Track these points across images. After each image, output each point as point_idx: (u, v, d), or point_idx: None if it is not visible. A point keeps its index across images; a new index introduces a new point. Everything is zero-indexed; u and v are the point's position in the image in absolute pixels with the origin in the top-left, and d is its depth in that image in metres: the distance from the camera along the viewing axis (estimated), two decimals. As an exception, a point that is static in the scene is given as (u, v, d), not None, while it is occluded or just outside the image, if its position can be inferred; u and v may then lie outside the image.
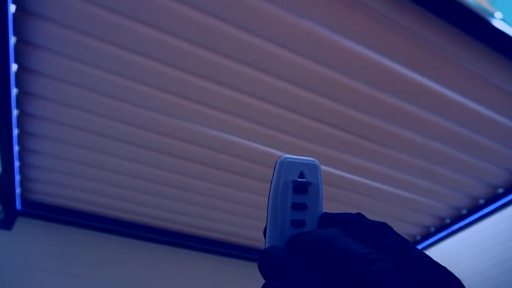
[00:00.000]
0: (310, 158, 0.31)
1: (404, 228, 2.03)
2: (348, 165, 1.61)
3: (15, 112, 1.33)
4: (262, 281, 0.26)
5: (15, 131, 1.41)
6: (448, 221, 1.94)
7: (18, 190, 1.76)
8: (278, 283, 0.25)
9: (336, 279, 0.23)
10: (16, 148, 1.49)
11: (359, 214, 0.28)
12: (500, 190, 1.73)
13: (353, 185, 1.71)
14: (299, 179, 0.30)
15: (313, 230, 0.28)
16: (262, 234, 0.31)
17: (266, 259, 0.27)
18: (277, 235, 0.29)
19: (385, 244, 0.25)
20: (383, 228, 0.27)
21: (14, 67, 1.19)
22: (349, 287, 0.22)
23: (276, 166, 0.30)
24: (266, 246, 0.29)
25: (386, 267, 0.21)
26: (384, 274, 0.21)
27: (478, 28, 1.11)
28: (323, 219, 0.30)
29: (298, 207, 0.29)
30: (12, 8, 1.04)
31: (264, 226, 0.30)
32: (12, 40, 1.11)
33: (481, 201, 1.79)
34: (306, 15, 1.11)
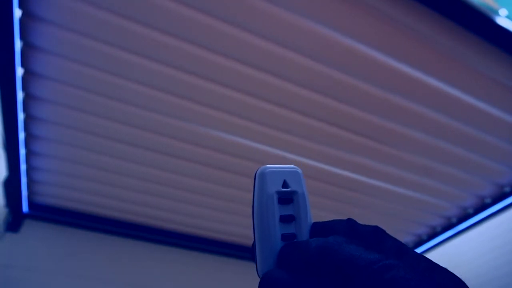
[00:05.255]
0: (291, 166, 0.29)
1: (410, 227, 2.02)
2: (354, 165, 1.60)
3: (21, 116, 1.34)
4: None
5: (22, 135, 1.42)
6: (454, 220, 1.93)
7: (24, 193, 1.77)
8: None
9: None
10: (22, 151, 1.50)
11: (350, 219, 0.27)
12: (507, 189, 1.72)
13: (359, 185, 1.71)
14: (283, 189, 0.28)
15: (310, 239, 0.25)
16: None
17: (271, 285, 0.24)
18: (269, 253, 0.26)
19: (382, 248, 0.24)
20: (378, 232, 0.25)
21: (20, 71, 1.20)
22: None
23: (257, 178, 0.28)
24: (259, 266, 0.27)
25: (401, 273, 0.20)
26: (400, 280, 0.19)
27: (482, 25, 1.10)
28: (315, 229, 0.28)
29: (286, 219, 0.27)
30: (18, 12, 1.05)
31: (252, 242, 0.28)
32: (18, 44, 1.12)
33: (488, 200, 1.78)
34: (309, 15, 1.11)
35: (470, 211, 1.86)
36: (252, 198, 0.28)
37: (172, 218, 1.98)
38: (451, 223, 1.94)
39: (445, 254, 2.04)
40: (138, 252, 2.04)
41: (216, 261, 2.16)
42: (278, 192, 0.28)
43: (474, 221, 1.87)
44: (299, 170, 0.29)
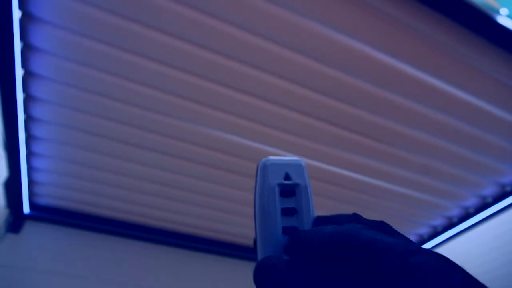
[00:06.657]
0: (294, 158, 0.29)
1: (411, 227, 2.02)
2: (354, 165, 1.60)
3: (21, 116, 1.34)
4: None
5: (22, 135, 1.42)
6: (455, 220, 1.93)
7: (25, 194, 1.77)
8: None
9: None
10: (23, 152, 1.50)
11: (355, 214, 0.27)
12: (508, 188, 1.71)
13: (360, 185, 1.71)
14: (285, 182, 0.27)
15: (323, 226, 0.24)
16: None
17: (264, 271, 0.23)
18: (270, 246, 0.26)
19: None
20: (382, 227, 0.25)
21: (20, 72, 1.20)
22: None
23: (259, 170, 0.28)
24: (259, 259, 0.26)
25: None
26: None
27: (482, 24, 1.10)
28: (318, 223, 0.27)
29: (288, 212, 0.27)
30: (18, 13, 1.05)
31: (254, 237, 0.27)
32: (18, 45, 1.12)
33: (489, 200, 1.78)
34: (310, 15, 1.11)
35: (471, 210, 1.85)
36: (254, 190, 0.27)
37: (172, 218, 1.98)
38: (452, 222, 1.94)
39: (446, 253, 2.04)
40: (138, 252, 2.04)
41: (216, 261, 2.16)
42: (280, 185, 0.27)
43: (476, 220, 1.87)
44: (302, 162, 0.28)
